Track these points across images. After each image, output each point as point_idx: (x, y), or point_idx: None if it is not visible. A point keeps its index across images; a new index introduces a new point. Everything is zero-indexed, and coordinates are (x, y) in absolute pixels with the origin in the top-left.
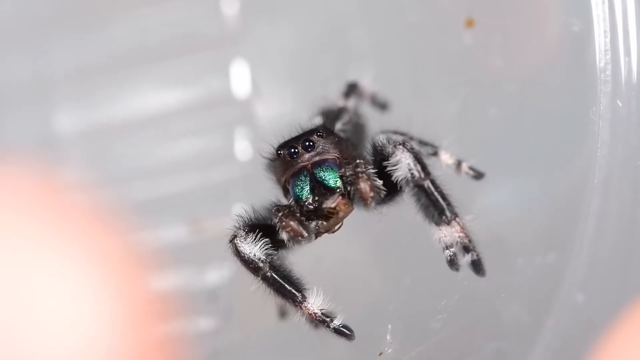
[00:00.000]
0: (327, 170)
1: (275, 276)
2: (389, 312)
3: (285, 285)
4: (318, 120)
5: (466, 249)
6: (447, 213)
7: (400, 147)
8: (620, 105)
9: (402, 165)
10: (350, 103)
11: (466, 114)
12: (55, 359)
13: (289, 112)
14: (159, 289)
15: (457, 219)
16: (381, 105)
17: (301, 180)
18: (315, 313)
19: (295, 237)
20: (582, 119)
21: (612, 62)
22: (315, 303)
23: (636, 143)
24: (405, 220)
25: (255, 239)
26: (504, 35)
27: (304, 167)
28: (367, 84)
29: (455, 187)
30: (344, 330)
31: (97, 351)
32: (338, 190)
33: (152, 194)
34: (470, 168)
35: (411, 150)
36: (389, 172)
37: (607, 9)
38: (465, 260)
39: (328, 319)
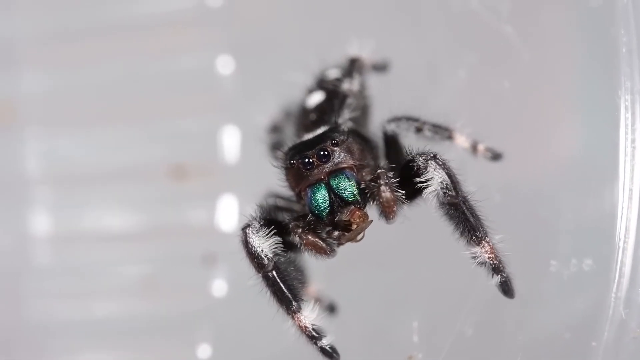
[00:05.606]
0: (344, 181)
1: (277, 278)
2: (411, 307)
3: (284, 290)
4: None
5: (495, 270)
6: (478, 233)
7: (433, 162)
8: None
9: (434, 182)
10: (355, 84)
11: (475, 84)
12: None
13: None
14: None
15: (486, 238)
16: (382, 67)
17: (318, 194)
18: (306, 327)
19: (319, 255)
20: (606, 104)
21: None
22: (309, 316)
23: None
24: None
25: (267, 234)
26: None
27: (320, 179)
28: (368, 56)
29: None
30: (330, 351)
31: None
32: (356, 202)
33: None
34: (487, 149)
35: (443, 166)
36: (413, 178)
37: None
38: (494, 281)
39: (317, 336)
